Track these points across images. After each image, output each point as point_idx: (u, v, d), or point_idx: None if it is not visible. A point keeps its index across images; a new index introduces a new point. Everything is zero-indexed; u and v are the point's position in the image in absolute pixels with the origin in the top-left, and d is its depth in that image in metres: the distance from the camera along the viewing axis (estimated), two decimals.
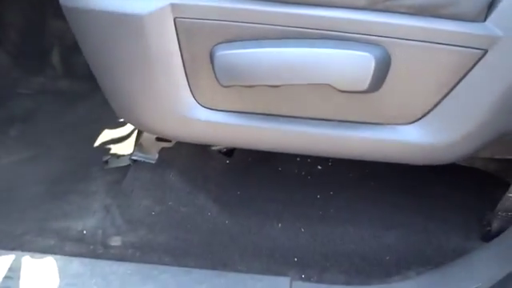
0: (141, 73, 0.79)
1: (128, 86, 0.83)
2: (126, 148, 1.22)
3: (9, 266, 0.88)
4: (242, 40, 0.73)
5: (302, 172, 1.11)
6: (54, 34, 1.55)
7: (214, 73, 0.74)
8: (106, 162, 1.16)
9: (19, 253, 0.90)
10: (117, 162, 1.15)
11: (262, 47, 0.72)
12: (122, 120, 1.35)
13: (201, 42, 0.75)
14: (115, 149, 1.23)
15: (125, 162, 1.13)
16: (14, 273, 0.87)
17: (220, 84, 0.75)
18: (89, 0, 0.74)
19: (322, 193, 1.04)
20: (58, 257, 0.90)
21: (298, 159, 1.14)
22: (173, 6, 0.72)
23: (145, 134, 1.07)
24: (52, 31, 1.55)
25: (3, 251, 0.90)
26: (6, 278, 0.86)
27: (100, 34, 0.77)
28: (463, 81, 0.73)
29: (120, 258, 0.90)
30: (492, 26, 0.69)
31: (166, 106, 0.82)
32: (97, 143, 1.27)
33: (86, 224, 0.96)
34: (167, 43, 0.75)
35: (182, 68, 0.78)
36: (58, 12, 1.49)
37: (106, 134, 1.31)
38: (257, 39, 0.73)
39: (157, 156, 1.06)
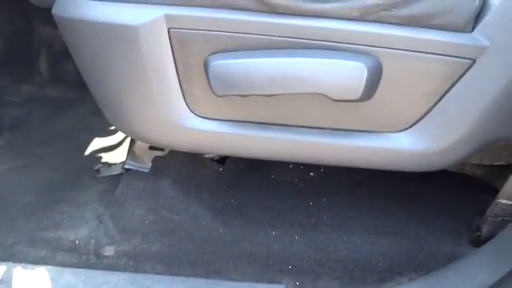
0: (135, 83, 0.81)
1: (122, 96, 0.84)
2: (117, 156, 1.22)
3: (0, 278, 0.88)
4: (236, 50, 0.76)
5: (294, 179, 1.12)
6: (41, 40, 1.56)
7: (209, 82, 0.76)
8: (98, 170, 1.16)
9: (10, 264, 0.90)
10: (108, 171, 1.15)
11: (256, 57, 0.75)
12: (112, 128, 1.35)
13: (195, 52, 0.77)
14: (106, 157, 1.23)
15: (117, 171, 1.13)
16: (5, 285, 0.87)
17: (214, 94, 0.77)
18: (82, 10, 0.75)
19: (314, 200, 1.06)
20: (50, 267, 0.90)
21: (291, 166, 1.16)
22: (167, 16, 0.74)
23: (138, 143, 1.08)
24: (40, 38, 1.55)
25: None
26: None
27: (93, 45, 0.79)
28: (453, 89, 0.76)
29: (113, 267, 0.91)
30: (479, 36, 0.72)
31: (159, 115, 0.83)
32: (87, 152, 1.27)
33: (78, 234, 0.96)
34: (161, 53, 0.77)
35: (176, 77, 0.80)
36: (46, 19, 1.50)
37: (97, 143, 1.31)
38: (251, 49, 0.75)
39: (150, 165, 1.07)
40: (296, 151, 0.86)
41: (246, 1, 0.72)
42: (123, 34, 0.75)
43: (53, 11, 0.79)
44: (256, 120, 0.84)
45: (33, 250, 0.93)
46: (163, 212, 0.98)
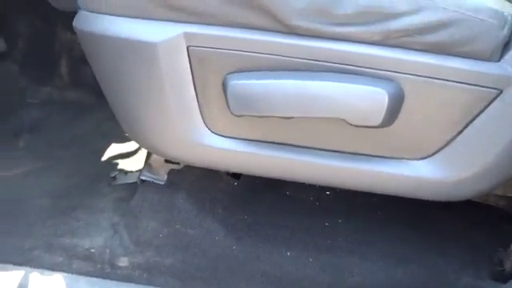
0: (153, 98, 0.85)
1: (139, 111, 0.89)
2: (133, 164, 1.28)
3: (18, 283, 0.94)
4: (255, 70, 0.79)
5: (310, 197, 1.16)
6: (62, 44, 1.64)
7: (227, 102, 0.80)
8: (114, 177, 1.22)
9: (28, 269, 0.96)
10: (124, 179, 1.22)
11: (275, 79, 0.78)
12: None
13: (213, 70, 0.81)
14: (122, 164, 1.29)
15: (132, 179, 1.20)
16: None
17: (232, 113, 0.81)
18: (103, 25, 0.80)
19: (330, 220, 1.09)
20: (66, 275, 0.95)
21: (307, 184, 1.18)
22: (186, 34, 0.78)
23: (154, 155, 1.13)
24: (61, 42, 1.64)
25: (13, 266, 0.95)
26: None
27: (113, 59, 0.84)
28: (477, 119, 0.78)
29: (127, 278, 0.96)
30: (507, 65, 0.74)
31: (176, 131, 0.88)
32: (104, 157, 1.34)
33: (93, 242, 1.02)
34: (180, 70, 0.81)
35: (194, 95, 0.84)
36: (67, 23, 1.58)
37: (114, 149, 1.37)
38: (270, 70, 0.79)
39: (165, 177, 1.13)
40: (312, 173, 0.89)
41: (266, 21, 0.75)
42: (142, 51, 0.80)
43: (74, 24, 0.85)
44: (273, 140, 0.88)
45: (49, 256, 0.99)
46: (177, 226, 1.04)
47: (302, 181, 0.95)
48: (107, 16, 0.80)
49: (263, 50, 0.77)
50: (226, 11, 0.76)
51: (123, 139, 1.40)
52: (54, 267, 0.97)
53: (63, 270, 0.97)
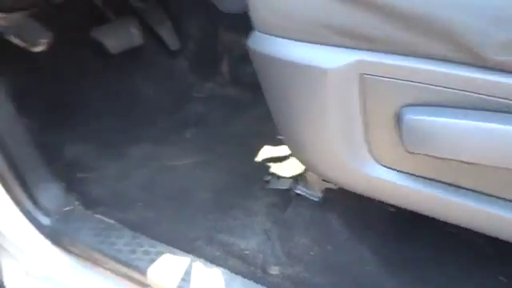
0: (318, 122, 0.86)
1: (302, 131, 0.90)
2: (286, 169, 1.34)
3: (184, 269, 1.08)
4: (436, 105, 0.73)
5: (480, 239, 1.04)
6: (224, 45, 1.81)
7: (400, 136, 0.76)
8: (267, 181, 1.30)
9: (192, 257, 1.09)
10: (277, 184, 1.28)
11: (463, 118, 0.71)
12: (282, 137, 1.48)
13: (387, 101, 0.77)
14: (275, 168, 1.36)
15: (285, 185, 1.26)
16: (187, 276, 1.05)
17: (405, 149, 0.77)
18: (275, 48, 0.82)
19: (507, 274, 0.96)
20: (225, 271, 1.05)
21: None
22: (359, 62, 0.75)
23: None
24: (223, 42, 1.82)
25: (181, 252, 1.09)
26: (183, 280, 1.06)
27: (281, 81, 0.86)
28: None
29: (276, 287, 1.03)
30: None
31: (338, 157, 0.88)
32: (258, 158, 1.43)
33: (248, 244, 1.11)
34: (349, 98, 0.79)
35: (361, 124, 0.82)
36: (230, 26, 1.69)
37: (267, 150, 1.45)
38: (455, 107, 0.72)
39: (320, 195, 1.16)
40: (490, 224, 0.81)
41: (455, 52, 0.67)
42: (311, 76, 0.79)
43: (247, 43, 0.89)
44: (447, 181, 0.81)
45: (210, 249, 1.10)
46: (328, 247, 1.06)
47: (474, 229, 0.86)
48: (279, 39, 0.81)
49: (449, 83, 0.70)
50: (406, 39, 0.70)
51: (276, 141, 1.46)
52: (212, 260, 1.08)
53: (220, 265, 1.06)
